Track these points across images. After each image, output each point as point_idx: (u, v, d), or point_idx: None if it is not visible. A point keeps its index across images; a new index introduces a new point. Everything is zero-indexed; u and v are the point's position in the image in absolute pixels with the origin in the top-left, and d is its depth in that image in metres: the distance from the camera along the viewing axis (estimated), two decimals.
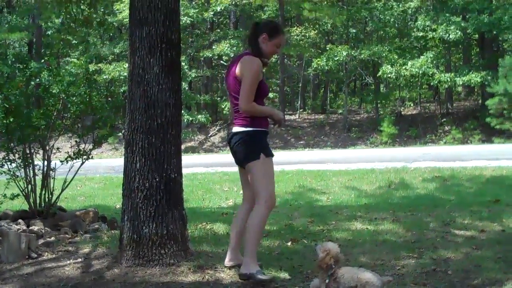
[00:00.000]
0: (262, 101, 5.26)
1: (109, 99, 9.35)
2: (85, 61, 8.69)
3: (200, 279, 5.12)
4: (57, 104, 7.61)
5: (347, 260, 5.66)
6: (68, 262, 5.81)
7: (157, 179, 5.48)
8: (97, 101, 8.06)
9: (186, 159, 22.04)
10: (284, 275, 5.22)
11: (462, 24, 29.68)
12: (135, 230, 5.48)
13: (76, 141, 8.07)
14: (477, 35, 33.98)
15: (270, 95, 35.16)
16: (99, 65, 32.49)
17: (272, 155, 5.32)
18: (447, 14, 30.02)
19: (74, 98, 7.78)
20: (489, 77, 29.25)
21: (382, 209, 8.82)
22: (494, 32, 30.08)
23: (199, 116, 32.77)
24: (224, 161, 21.64)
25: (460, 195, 10.96)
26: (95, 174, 17.05)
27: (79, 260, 5.88)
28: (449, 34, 29.70)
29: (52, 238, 6.72)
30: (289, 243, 6.45)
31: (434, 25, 30.23)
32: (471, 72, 30.13)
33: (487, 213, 8.16)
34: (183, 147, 31.23)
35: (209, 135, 34.72)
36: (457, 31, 29.60)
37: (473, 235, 6.71)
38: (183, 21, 31.56)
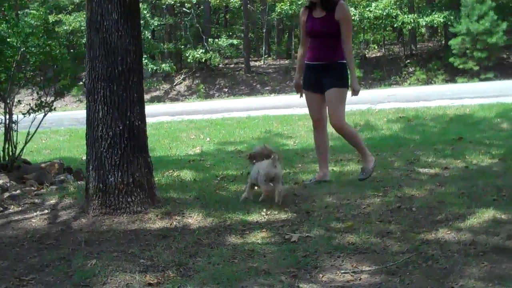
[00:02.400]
0: None
1: (71, 50, 9.20)
2: (44, 12, 8.48)
3: (168, 226, 5.13)
4: (16, 56, 7.46)
5: (313, 201, 5.74)
6: (35, 214, 5.78)
7: (121, 127, 5.42)
8: (58, 51, 7.91)
9: (151, 108, 21.88)
10: (251, 218, 5.26)
11: None
12: (101, 179, 5.45)
13: (37, 93, 7.94)
14: None
15: (235, 41, 34.89)
16: (59, 16, 31.80)
17: None
18: None
19: (33, 49, 7.62)
20: (451, 17, 29.35)
21: (348, 150, 8.85)
22: None
23: (164, 65, 32.43)
24: (190, 109, 21.62)
25: (424, 135, 11.09)
26: (59, 126, 16.89)
27: (46, 211, 5.84)
28: None
29: (18, 191, 6.66)
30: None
31: None
32: (434, 13, 30.19)
33: (450, 150, 8.28)
34: (148, 96, 31.10)
35: (174, 84, 34.43)
36: None
37: (437, 172, 6.81)
38: None
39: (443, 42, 34.02)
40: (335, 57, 6.29)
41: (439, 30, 37.73)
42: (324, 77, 6.33)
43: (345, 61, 6.33)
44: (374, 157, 6.56)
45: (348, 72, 6.36)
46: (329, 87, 6.30)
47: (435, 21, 29.94)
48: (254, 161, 5.93)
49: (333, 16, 6.20)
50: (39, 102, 7.66)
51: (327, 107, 6.42)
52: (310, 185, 6.44)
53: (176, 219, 5.29)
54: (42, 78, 8.21)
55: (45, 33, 7.76)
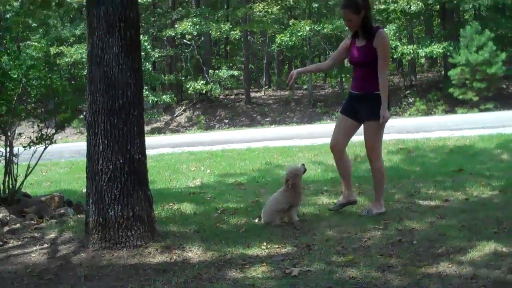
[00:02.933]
0: None
1: (72, 82, 9.24)
2: (46, 44, 8.54)
3: (167, 260, 5.11)
4: (17, 89, 7.49)
5: (314, 234, 5.72)
6: (34, 248, 5.76)
7: (121, 161, 5.43)
8: (59, 84, 7.94)
9: (152, 140, 21.90)
10: (252, 252, 5.24)
11: None
12: (101, 213, 5.44)
13: (38, 125, 7.95)
14: (438, 6, 34.23)
15: (235, 72, 35.07)
16: (61, 48, 32.02)
17: None
18: None
19: (34, 82, 7.66)
20: (451, 48, 29.55)
21: None
22: (455, 2, 30.32)
23: (164, 96, 32.57)
24: (190, 140, 21.65)
25: (425, 166, 11.07)
26: (60, 158, 16.87)
27: (45, 246, 5.82)
28: (410, 6, 29.87)
29: (18, 225, 6.64)
30: (256, 220, 6.46)
31: None
32: (433, 43, 30.41)
33: (451, 182, 8.26)
34: (149, 128, 31.18)
35: (174, 115, 34.54)
36: (418, 2, 29.78)
37: (438, 204, 6.80)
38: (144, 0, 31.25)
39: (443, 72, 34.21)
40: (372, 88, 6.25)
41: (438, 61, 38.01)
42: (361, 108, 6.36)
43: None
44: (385, 209, 6.52)
45: None
46: (366, 118, 6.35)
47: (434, 52, 30.14)
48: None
49: (372, 44, 6.21)
50: (39, 135, 7.67)
51: (364, 139, 6.50)
52: (333, 210, 6.59)
53: (176, 253, 5.27)
54: (43, 110, 8.23)
55: (46, 65, 7.80)
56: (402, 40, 32.89)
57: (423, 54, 30.90)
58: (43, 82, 7.64)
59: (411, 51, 30.34)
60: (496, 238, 5.11)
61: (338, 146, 6.64)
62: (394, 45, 30.33)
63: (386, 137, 15.74)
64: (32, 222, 6.82)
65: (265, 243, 5.44)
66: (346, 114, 6.57)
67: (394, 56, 32.34)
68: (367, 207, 6.62)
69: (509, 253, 4.72)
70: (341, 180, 6.83)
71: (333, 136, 6.67)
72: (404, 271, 4.50)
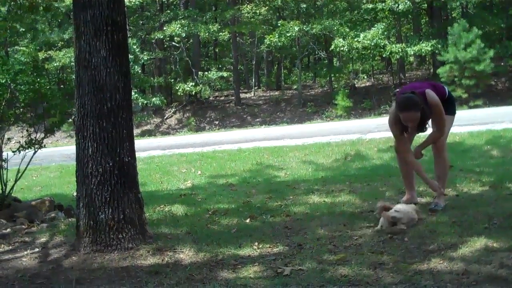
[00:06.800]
0: None
1: (61, 86, 9.22)
2: (34, 49, 8.52)
3: (159, 262, 5.11)
4: (5, 93, 7.47)
5: (305, 233, 5.73)
6: (25, 253, 5.74)
7: (111, 164, 5.43)
8: (48, 88, 7.93)
9: (142, 142, 21.89)
10: (244, 252, 5.24)
11: None
12: (91, 216, 5.44)
13: (27, 130, 7.93)
14: (425, 4, 34.32)
15: (224, 74, 35.03)
16: (49, 52, 31.90)
17: None
18: None
19: (22, 87, 7.64)
20: (439, 46, 29.60)
21: (339, 181, 8.89)
22: (442, 0, 30.41)
23: (154, 99, 32.48)
24: (181, 142, 21.62)
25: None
26: (50, 163, 16.84)
27: (36, 250, 5.80)
28: (398, 5, 29.94)
29: (8, 230, 6.62)
30: (247, 220, 6.46)
31: None
32: (421, 42, 30.46)
33: None
34: (139, 131, 31.12)
35: (165, 117, 34.48)
36: (406, 1, 29.86)
37: (428, 201, 6.81)
38: (132, 3, 31.16)
39: (432, 70, 34.29)
40: None
41: (427, 59, 38.11)
42: None
43: None
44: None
45: None
46: None
47: (423, 50, 30.20)
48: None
49: None
50: (29, 140, 7.65)
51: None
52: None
53: (168, 254, 5.26)
54: (32, 114, 8.21)
55: (35, 70, 7.79)
56: (391, 39, 32.92)
57: (412, 53, 30.95)
58: (31, 87, 7.64)
59: (399, 49, 30.38)
60: (487, 233, 5.13)
61: None
62: (382, 44, 30.40)
63: (376, 135, 15.88)
64: (23, 226, 6.81)
65: (256, 243, 5.44)
66: None
67: (383, 55, 32.44)
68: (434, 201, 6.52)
69: (499, 248, 4.74)
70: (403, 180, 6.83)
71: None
72: (396, 268, 4.51)
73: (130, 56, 26.31)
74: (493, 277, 4.16)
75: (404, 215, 5.62)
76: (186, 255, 5.25)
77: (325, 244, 5.31)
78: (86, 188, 5.47)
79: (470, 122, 17.27)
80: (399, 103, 6.01)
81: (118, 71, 5.50)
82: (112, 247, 5.40)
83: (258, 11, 34.54)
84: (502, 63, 31.32)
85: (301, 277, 4.47)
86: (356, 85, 35.47)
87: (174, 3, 39.71)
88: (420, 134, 6.48)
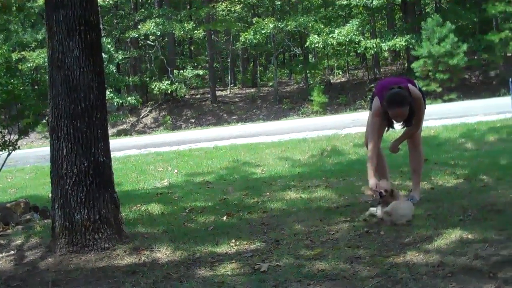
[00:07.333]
0: None
1: (35, 86, 9.15)
2: (7, 50, 8.44)
3: (136, 261, 5.08)
4: None
5: (282, 229, 5.74)
6: (0, 255, 5.67)
7: (85, 164, 5.39)
8: (21, 89, 7.86)
9: (118, 142, 21.77)
10: (221, 249, 5.24)
11: None
12: (67, 217, 5.39)
13: (1, 132, 7.86)
14: (399, 0, 34.55)
15: (200, 72, 34.98)
16: (23, 53, 31.64)
17: None
18: None
19: None
20: (413, 41, 29.86)
21: (315, 176, 8.92)
22: None
23: (129, 98, 32.37)
24: (157, 141, 21.55)
25: (390, 157, 11.08)
26: (25, 164, 16.70)
27: (12, 252, 5.75)
28: (372, 0, 30.11)
29: None
30: (224, 218, 6.46)
31: None
32: (395, 37, 30.71)
33: None
34: (115, 130, 30.98)
35: (140, 116, 34.36)
36: None
37: (404, 195, 6.85)
38: (106, 2, 30.99)
39: (406, 65, 34.55)
40: None
41: (401, 54, 38.39)
42: None
43: None
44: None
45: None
46: None
47: (397, 45, 30.44)
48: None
49: None
50: (2, 141, 7.58)
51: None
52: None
53: (145, 254, 5.24)
54: (5, 116, 8.14)
55: (8, 71, 7.72)
56: (365, 35, 33.11)
57: (386, 48, 31.19)
58: (4, 88, 7.56)
59: (374, 45, 30.59)
60: (462, 225, 5.18)
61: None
62: (357, 40, 30.56)
63: (351, 130, 15.96)
64: None
65: (233, 240, 5.44)
66: None
67: (358, 51, 32.61)
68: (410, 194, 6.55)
69: (474, 239, 4.79)
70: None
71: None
72: (372, 261, 4.54)
73: (105, 56, 26.20)
74: (468, 268, 4.20)
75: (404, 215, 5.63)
76: (163, 254, 5.24)
77: (302, 240, 5.32)
78: (61, 189, 5.43)
79: (444, 116, 17.42)
80: (391, 99, 5.94)
81: (91, 71, 5.46)
82: (88, 248, 5.36)
83: (233, 9, 34.58)
84: (475, 57, 31.65)
85: (278, 273, 4.47)
86: (332, 81, 35.63)
87: (149, 1, 39.60)
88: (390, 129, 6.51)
